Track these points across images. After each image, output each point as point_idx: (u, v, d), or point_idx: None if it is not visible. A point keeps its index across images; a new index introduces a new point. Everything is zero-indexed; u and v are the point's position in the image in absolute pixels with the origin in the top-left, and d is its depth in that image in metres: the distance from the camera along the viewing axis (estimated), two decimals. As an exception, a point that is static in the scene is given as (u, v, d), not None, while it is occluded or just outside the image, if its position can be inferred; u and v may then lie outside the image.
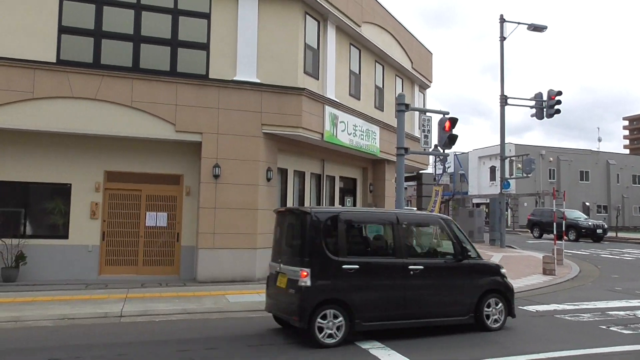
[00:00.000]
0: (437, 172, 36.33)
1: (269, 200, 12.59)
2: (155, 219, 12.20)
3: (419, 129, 12.61)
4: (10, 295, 9.50)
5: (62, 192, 11.61)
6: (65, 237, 11.53)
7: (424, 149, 12.92)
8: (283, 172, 13.94)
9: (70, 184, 11.66)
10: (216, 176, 11.82)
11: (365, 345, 6.71)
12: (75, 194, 11.66)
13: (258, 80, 12.38)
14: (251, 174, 12.15)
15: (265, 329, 7.72)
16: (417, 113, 19.36)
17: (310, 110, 12.84)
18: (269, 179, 12.51)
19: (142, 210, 12.16)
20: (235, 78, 12.22)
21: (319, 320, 6.59)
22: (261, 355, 6.34)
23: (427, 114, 15.99)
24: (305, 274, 6.62)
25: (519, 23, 22.74)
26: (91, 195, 11.74)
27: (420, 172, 23.25)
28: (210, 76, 12.12)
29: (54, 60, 11.10)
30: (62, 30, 11.25)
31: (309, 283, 6.60)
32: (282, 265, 7.26)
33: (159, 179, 12.31)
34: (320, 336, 6.59)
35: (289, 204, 14.11)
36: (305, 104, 12.63)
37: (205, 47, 12.19)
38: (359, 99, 16.19)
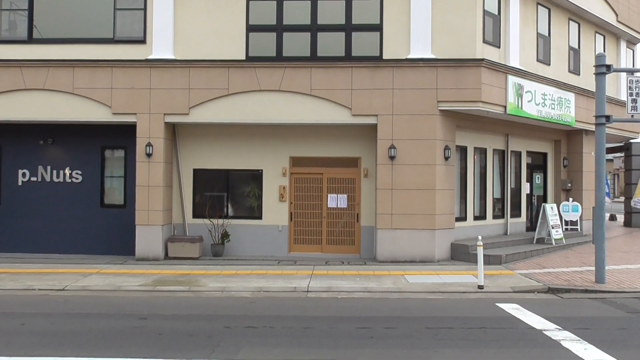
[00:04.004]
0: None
1: (448, 180, 12.16)
2: (336, 200, 12.74)
3: (627, 91, 10.70)
4: (218, 268, 10.94)
5: (256, 177, 12.85)
6: (260, 217, 12.76)
7: (632, 115, 10.96)
8: (462, 150, 13.29)
9: (262, 170, 12.82)
10: (392, 157, 11.82)
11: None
12: (266, 178, 12.78)
13: (433, 56, 11.94)
14: (428, 154, 11.86)
15: (450, 311, 7.51)
16: (623, 74, 16.66)
17: (491, 82, 11.95)
18: (447, 158, 12.06)
19: (324, 192, 12.80)
20: (409, 56, 11.98)
21: None
22: (442, 337, 6.18)
23: (637, 73, 13.59)
24: None
25: None
26: (279, 180, 12.76)
27: (630, 141, 20.05)
28: (384, 57, 12.09)
29: (244, 58, 12.23)
30: (250, 29, 12.32)
31: None
32: None
33: (338, 162, 12.79)
34: None
35: (469, 183, 13.45)
36: (484, 76, 11.81)
37: (378, 27, 12.17)
38: (548, 64, 14.54)
